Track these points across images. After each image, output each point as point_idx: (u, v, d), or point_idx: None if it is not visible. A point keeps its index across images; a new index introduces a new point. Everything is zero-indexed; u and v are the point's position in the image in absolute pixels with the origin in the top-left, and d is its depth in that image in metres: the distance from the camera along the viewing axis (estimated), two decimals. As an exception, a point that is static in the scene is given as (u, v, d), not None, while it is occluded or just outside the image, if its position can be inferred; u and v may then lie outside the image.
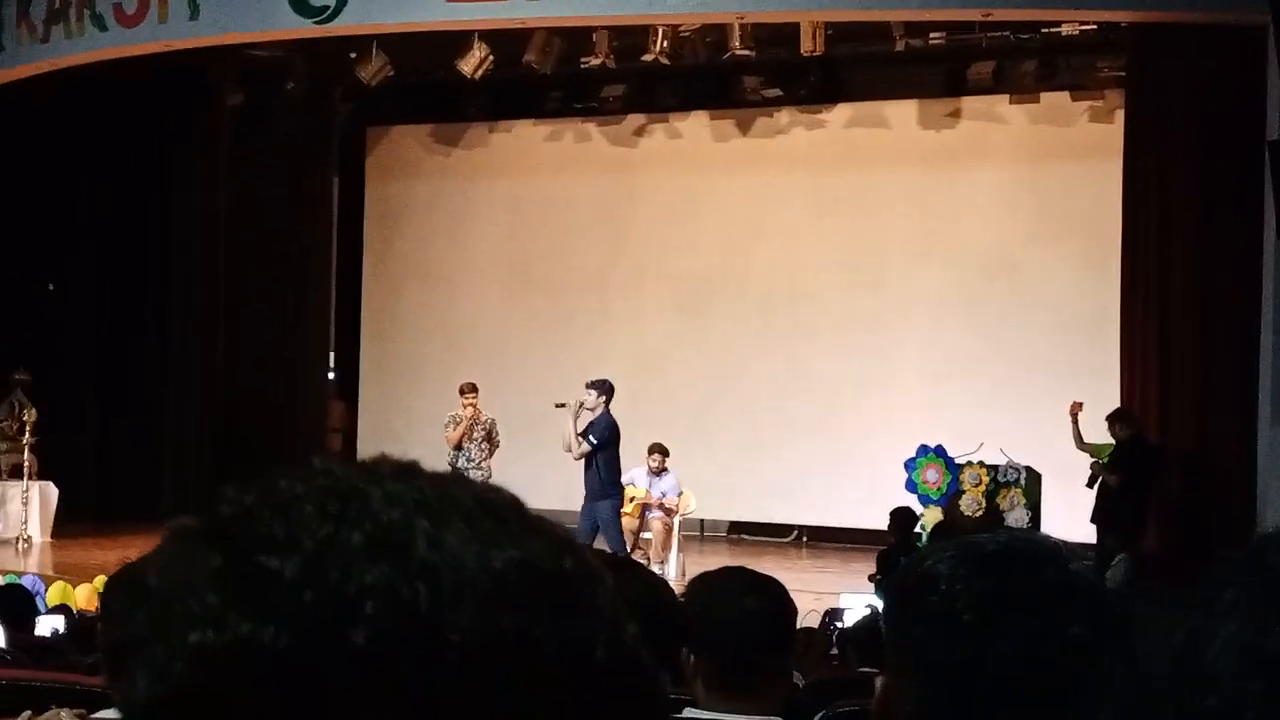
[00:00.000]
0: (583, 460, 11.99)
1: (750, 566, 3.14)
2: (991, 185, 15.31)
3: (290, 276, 16.96)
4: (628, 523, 12.88)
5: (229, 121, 16.15)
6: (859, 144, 15.80)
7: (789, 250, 15.98)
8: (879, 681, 1.47)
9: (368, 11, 12.41)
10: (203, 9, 12.68)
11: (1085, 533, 11.55)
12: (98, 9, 13.12)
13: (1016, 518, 12.23)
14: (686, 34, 14.45)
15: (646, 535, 12.92)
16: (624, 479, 12.79)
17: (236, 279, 16.11)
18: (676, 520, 13.01)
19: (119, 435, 15.88)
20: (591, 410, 12.05)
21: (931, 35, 14.59)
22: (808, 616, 8.55)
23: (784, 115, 16.19)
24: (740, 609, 2.84)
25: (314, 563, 0.67)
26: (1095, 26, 13.72)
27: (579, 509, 12.00)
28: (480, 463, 12.79)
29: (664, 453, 13.01)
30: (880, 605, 2.14)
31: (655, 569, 10.39)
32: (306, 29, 12.59)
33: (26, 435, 13.59)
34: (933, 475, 12.66)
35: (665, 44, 14.36)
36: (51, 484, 14.15)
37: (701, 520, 15.31)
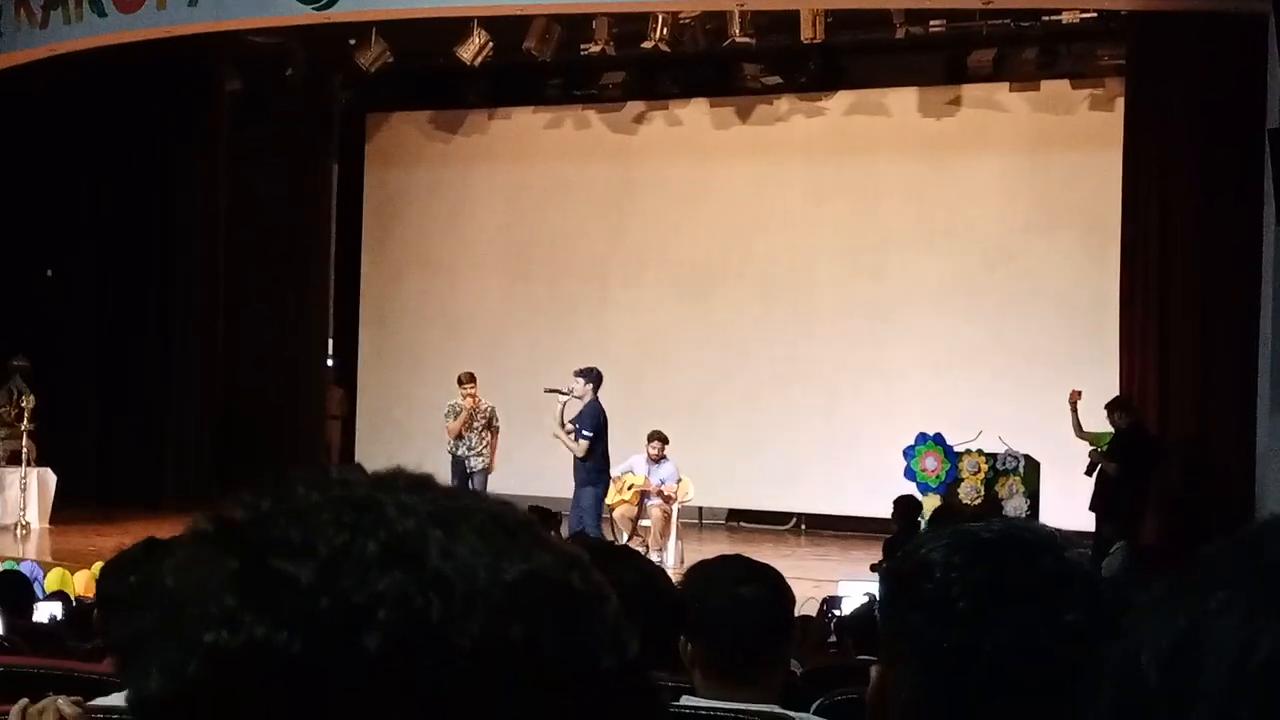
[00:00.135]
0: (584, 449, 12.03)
1: (749, 554, 3.14)
2: (992, 173, 15.29)
3: (290, 264, 16.97)
4: (626, 510, 12.89)
5: (228, 110, 16.14)
6: (859, 132, 15.78)
7: (789, 238, 15.96)
8: (874, 670, 1.46)
9: (367, -3, 12.41)
10: (201, -5, 12.68)
11: (1083, 521, 11.55)
12: (96, -6, 13.11)
13: (1015, 506, 12.22)
14: (686, 21, 14.43)
15: (645, 523, 12.93)
16: (623, 466, 12.81)
17: (236, 267, 16.08)
18: (675, 508, 13.01)
19: (119, 420, 15.86)
20: (580, 399, 12.05)
21: (932, 23, 14.56)
22: (806, 604, 8.54)
23: (784, 103, 16.16)
24: (737, 597, 2.85)
25: (329, 569, 0.69)
26: (1096, 14, 13.69)
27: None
28: (481, 450, 12.80)
29: (663, 440, 13.01)
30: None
31: (654, 557, 10.39)
32: (305, 15, 12.56)
33: (25, 421, 13.56)
34: (931, 463, 12.65)
35: (665, 31, 14.34)
36: (50, 470, 14.12)
37: (700, 508, 15.30)
